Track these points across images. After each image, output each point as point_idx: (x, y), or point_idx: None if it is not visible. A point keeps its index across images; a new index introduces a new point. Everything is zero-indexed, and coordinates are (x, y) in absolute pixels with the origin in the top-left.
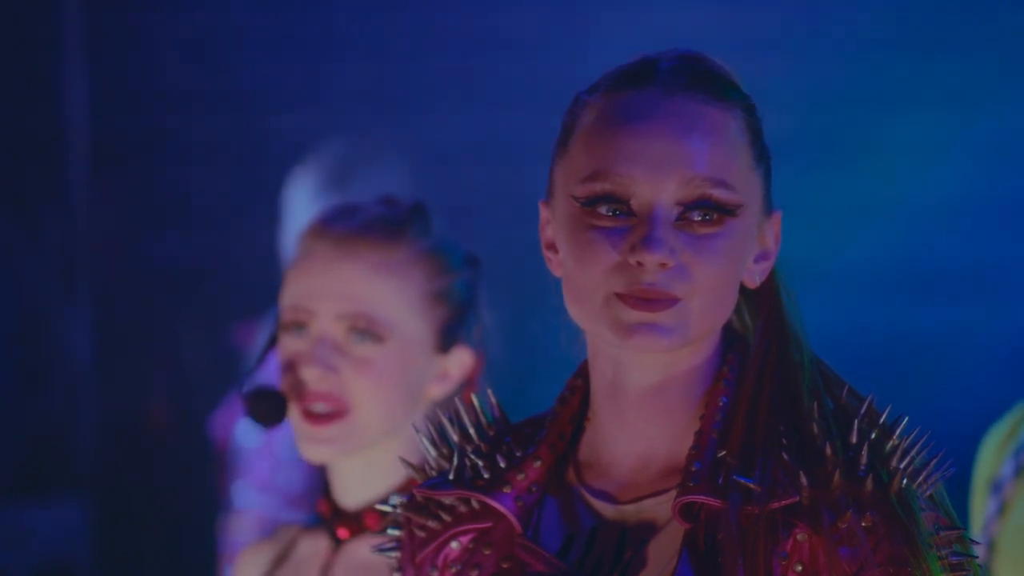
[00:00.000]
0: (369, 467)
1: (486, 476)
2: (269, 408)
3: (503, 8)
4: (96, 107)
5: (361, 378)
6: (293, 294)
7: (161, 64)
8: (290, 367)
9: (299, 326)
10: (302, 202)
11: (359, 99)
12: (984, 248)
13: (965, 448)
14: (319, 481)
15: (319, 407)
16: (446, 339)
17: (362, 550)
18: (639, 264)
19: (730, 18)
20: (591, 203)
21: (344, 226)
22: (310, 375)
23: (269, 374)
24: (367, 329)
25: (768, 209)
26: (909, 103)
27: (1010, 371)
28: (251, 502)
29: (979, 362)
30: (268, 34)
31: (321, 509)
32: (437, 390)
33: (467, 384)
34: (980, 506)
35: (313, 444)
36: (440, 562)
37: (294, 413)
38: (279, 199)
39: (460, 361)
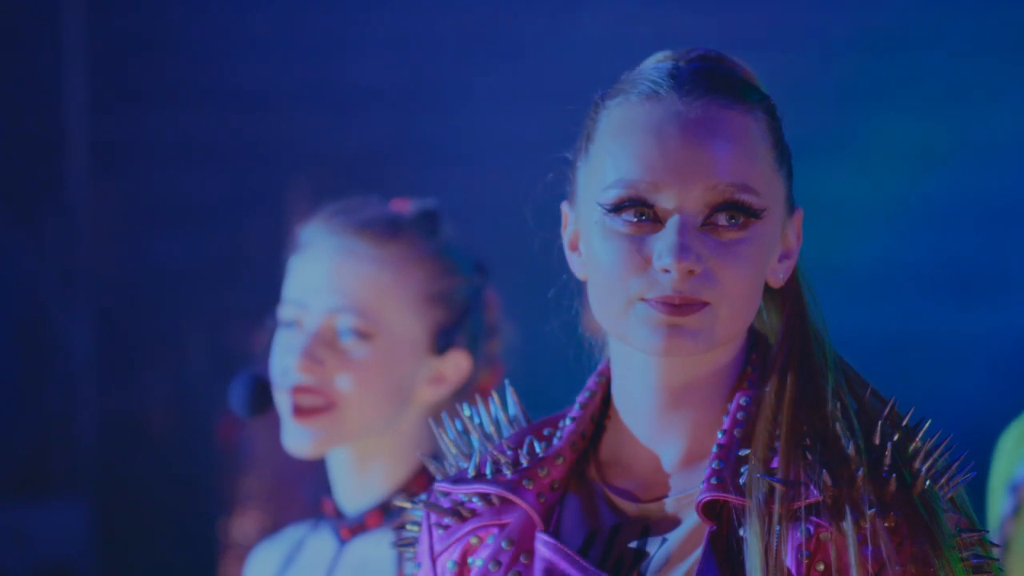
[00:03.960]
0: (370, 467)
1: (508, 473)
2: (252, 398)
3: (506, 8)
4: (96, 107)
5: (346, 373)
6: (291, 287)
7: (161, 64)
8: (280, 359)
9: (294, 319)
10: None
11: (360, 99)
12: (993, 248)
13: (969, 448)
14: (323, 482)
15: (305, 400)
16: (441, 341)
17: (364, 550)
18: (665, 271)
19: (731, 18)
20: (615, 210)
21: (343, 221)
22: (297, 367)
23: (263, 367)
24: (356, 325)
25: (790, 208)
26: (916, 102)
27: (1018, 372)
28: (255, 502)
29: (986, 362)
30: (268, 34)
31: (326, 509)
32: (431, 392)
33: (482, 394)
34: (996, 506)
35: (296, 437)
36: (460, 558)
37: (282, 405)
38: (280, 199)
39: (456, 364)
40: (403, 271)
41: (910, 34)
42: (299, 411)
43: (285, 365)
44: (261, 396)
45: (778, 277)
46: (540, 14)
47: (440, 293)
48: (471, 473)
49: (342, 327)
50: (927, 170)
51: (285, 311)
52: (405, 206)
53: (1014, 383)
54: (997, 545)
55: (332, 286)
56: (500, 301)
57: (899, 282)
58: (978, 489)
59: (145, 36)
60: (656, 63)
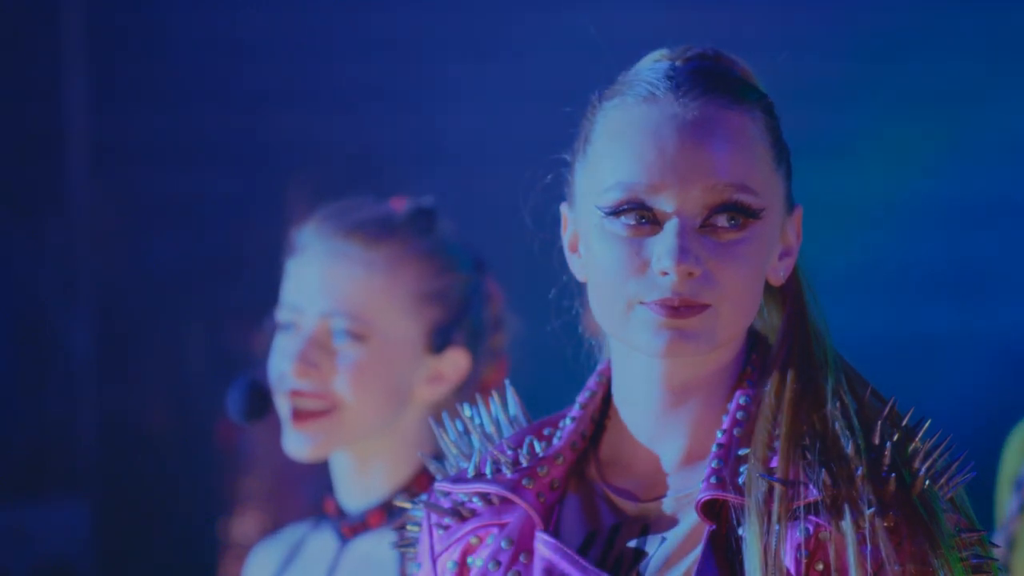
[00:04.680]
0: (371, 467)
1: (507, 473)
2: (248, 405)
3: (504, 8)
4: (96, 107)
5: (342, 376)
6: (287, 291)
7: (161, 64)
8: (277, 364)
9: (291, 323)
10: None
11: (359, 99)
12: (993, 248)
13: (969, 448)
14: (325, 481)
15: (303, 403)
16: (438, 340)
17: (366, 548)
18: (664, 274)
19: (731, 17)
20: (614, 213)
21: (335, 224)
22: (292, 371)
23: (263, 369)
24: (348, 327)
25: (790, 206)
26: (916, 103)
27: (1018, 372)
28: (255, 502)
29: (986, 362)
30: (268, 34)
31: (327, 509)
32: (430, 391)
33: (488, 389)
34: (1003, 503)
35: (295, 442)
36: (460, 558)
37: (282, 410)
38: (280, 199)
39: (454, 363)
40: (395, 271)
41: (910, 35)
42: (297, 415)
43: (282, 370)
44: (257, 402)
45: (778, 275)
46: (540, 13)
47: (435, 292)
48: (471, 473)
49: (336, 330)
50: (926, 170)
51: (282, 314)
52: (402, 205)
53: (1014, 383)
54: (997, 545)
55: (325, 289)
56: (504, 296)
57: (899, 282)
58: (982, 488)
59: (145, 36)
60: (653, 63)
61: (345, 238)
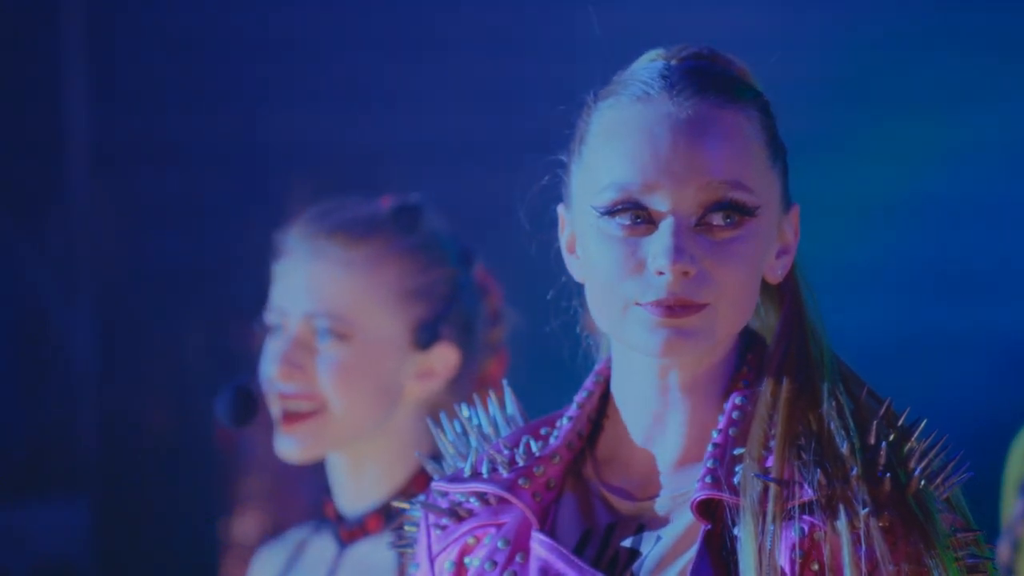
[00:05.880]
0: (367, 469)
1: (504, 472)
2: (236, 410)
3: (503, 7)
4: (96, 107)
5: (328, 376)
6: (274, 294)
7: (160, 64)
8: (266, 368)
9: (278, 325)
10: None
11: (359, 99)
12: (993, 248)
13: (967, 448)
14: (325, 483)
15: (292, 405)
16: (424, 336)
17: (365, 552)
18: (660, 273)
19: (730, 17)
20: (609, 213)
21: (317, 226)
22: (278, 374)
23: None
24: (331, 327)
25: (786, 204)
26: (916, 102)
27: (1018, 372)
28: (255, 503)
29: (986, 362)
30: (268, 34)
31: (327, 512)
32: (420, 388)
33: (490, 383)
34: (1008, 506)
35: (284, 444)
36: (457, 558)
37: (274, 412)
38: (279, 199)
39: (443, 358)
40: (376, 270)
41: (910, 34)
42: (286, 418)
43: (269, 373)
44: (246, 407)
45: (776, 274)
46: (539, 13)
47: (419, 288)
48: (467, 473)
49: (319, 330)
50: (927, 170)
51: (270, 317)
52: (382, 204)
53: (1015, 384)
54: (993, 546)
55: (307, 291)
56: (502, 289)
57: (899, 282)
58: (985, 490)
59: (145, 36)
60: (648, 62)
61: (327, 239)
